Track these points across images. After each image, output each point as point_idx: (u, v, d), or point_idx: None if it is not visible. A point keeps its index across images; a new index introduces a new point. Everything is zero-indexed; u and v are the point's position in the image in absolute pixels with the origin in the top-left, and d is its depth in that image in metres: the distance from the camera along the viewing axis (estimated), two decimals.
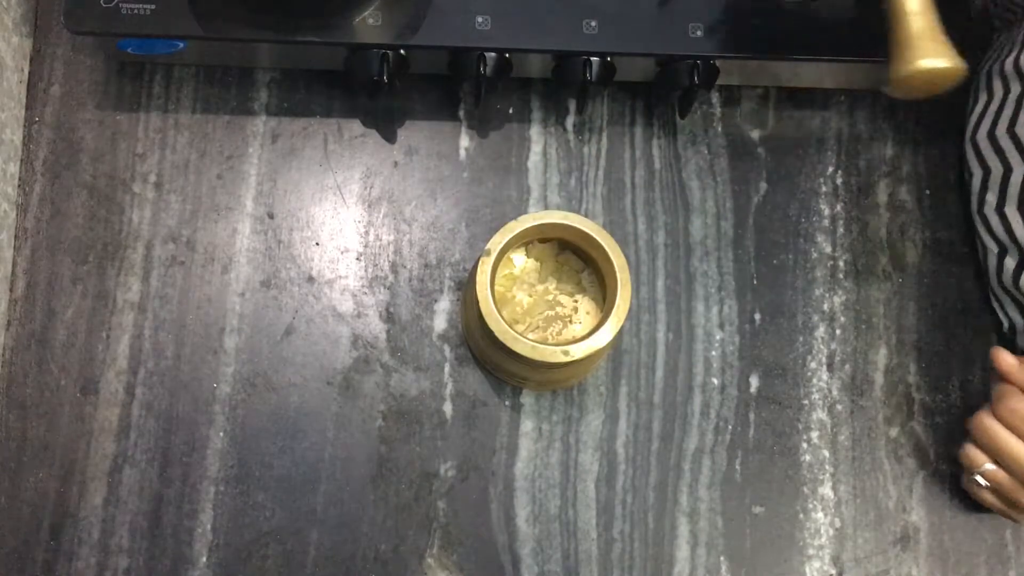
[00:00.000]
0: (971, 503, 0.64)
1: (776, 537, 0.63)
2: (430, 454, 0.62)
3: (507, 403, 0.63)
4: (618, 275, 0.57)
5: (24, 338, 0.63)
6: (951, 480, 0.64)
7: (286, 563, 0.60)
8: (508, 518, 0.62)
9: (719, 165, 0.68)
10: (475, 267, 0.57)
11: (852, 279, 0.67)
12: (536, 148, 0.68)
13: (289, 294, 0.64)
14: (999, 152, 0.62)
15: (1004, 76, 0.62)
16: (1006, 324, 0.65)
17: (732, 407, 0.64)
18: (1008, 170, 0.61)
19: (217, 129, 0.67)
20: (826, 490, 0.64)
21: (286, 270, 0.65)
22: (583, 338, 0.56)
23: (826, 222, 0.68)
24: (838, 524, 0.63)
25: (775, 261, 0.67)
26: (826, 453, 0.64)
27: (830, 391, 0.65)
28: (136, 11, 0.60)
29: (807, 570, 0.63)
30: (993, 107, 0.63)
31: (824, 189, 0.69)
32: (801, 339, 0.66)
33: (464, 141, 0.68)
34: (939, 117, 0.71)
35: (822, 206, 0.68)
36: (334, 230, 0.66)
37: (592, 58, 0.62)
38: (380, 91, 0.64)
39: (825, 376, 0.66)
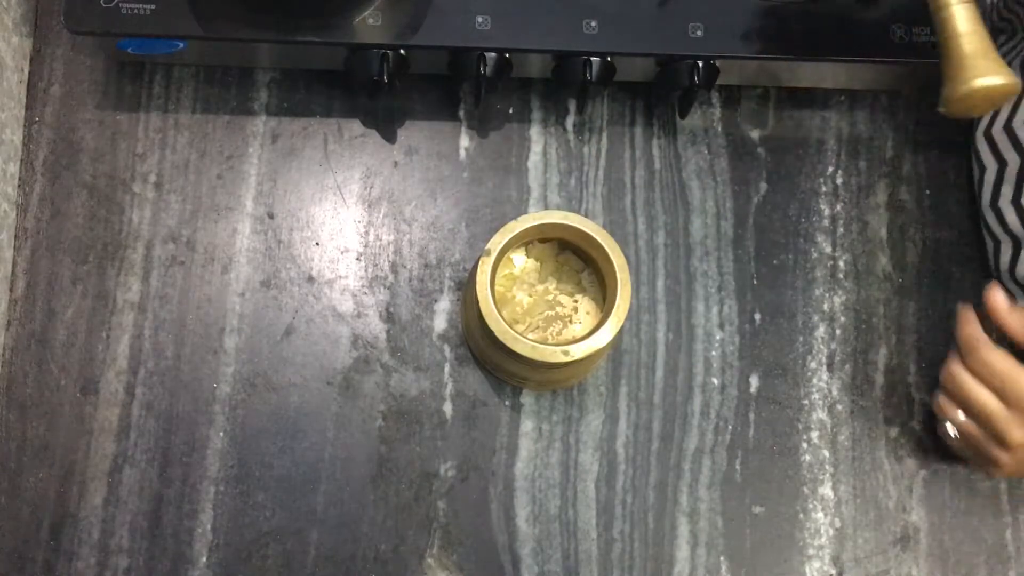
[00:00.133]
0: (971, 503, 0.64)
1: (776, 537, 0.63)
2: (430, 454, 0.62)
3: (507, 403, 0.63)
4: (618, 275, 0.57)
5: (24, 338, 0.63)
6: (951, 480, 0.64)
7: (286, 563, 0.60)
8: (508, 518, 0.62)
9: (719, 165, 0.68)
10: (475, 267, 0.57)
11: (852, 279, 0.67)
12: (536, 148, 0.68)
13: (289, 294, 0.64)
14: (1016, 145, 0.61)
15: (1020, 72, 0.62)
16: None
17: (732, 407, 0.64)
18: None
19: (217, 129, 0.67)
20: (826, 490, 0.64)
21: (286, 270, 0.65)
22: (583, 338, 0.56)
23: (826, 222, 0.68)
24: (838, 524, 0.63)
25: (775, 261, 0.67)
26: (826, 453, 0.64)
27: (830, 391, 0.65)
28: (136, 11, 0.60)
29: (807, 570, 0.63)
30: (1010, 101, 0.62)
31: (824, 189, 0.69)
32: (801, 339, 0.66)
33: (464, 141, 0.68)
34: (939, 117, 0.70)
35: (822, 206, 0.68)
36: (334, 230, 0.66)
37: (592, 58, 0.62)
38: (380, 91, 0.64)
39: (825, 376, 0.66)
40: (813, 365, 0.66)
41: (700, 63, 0.63)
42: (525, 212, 0.66)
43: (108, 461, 0.61)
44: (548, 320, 0.62)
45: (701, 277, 0.66)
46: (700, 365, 0.65)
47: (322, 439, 0.62)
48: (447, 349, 0.64)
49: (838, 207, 0.68)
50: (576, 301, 0.62)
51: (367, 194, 0.66)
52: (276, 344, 0.63)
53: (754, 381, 0.65)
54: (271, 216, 0.65)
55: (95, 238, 0.64)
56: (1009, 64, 0.62)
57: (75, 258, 0.64)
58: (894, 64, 0.64)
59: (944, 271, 0.68)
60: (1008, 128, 0.62)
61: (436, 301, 0.65)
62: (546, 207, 0.67)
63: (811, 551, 0.63)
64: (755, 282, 0.67)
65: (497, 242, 0.57)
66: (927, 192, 0.69)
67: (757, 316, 0.66)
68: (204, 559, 0.60)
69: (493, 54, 0.62)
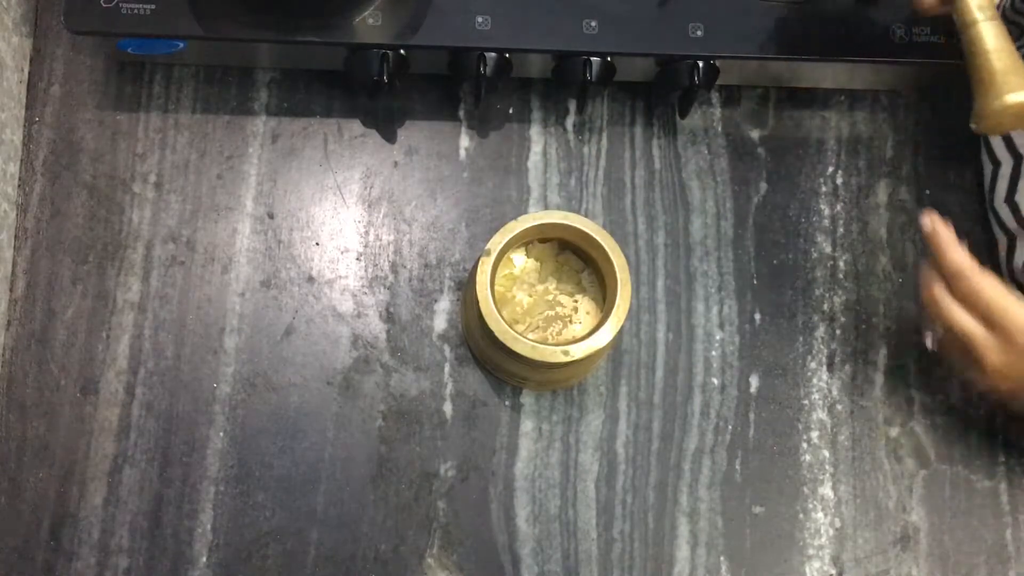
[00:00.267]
0: (971, 503, 0.64)
1: (776, 537, 0.63)
2: (430, 454, 0.62)
3: (507, 403, 0.63)
4: (618, 275, 0.57)
5: (24, 338, 0.63)
6: (951, 480, 0.64)
7: (286, 563, 0.60)
8: (508, 518, 0.62)
9: (719, 165, 0.68)
10: (475, 267, 0.57)
11: (852, 279, 0.67)
12: (536, 148, 0.68)
13: (289, 294, 0.64)
14: None
15: None
16: None
17: (732, 407, 0.64)
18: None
19: (217, 129, 0.67)
20: (826, 490, 0.64)
21: (286, 270, 0.65)
22: (583, 338, 0.56)
23: (826, 222, 0.68)
24: (838, 524, 0.63)
25: (775, 261, 0.67)
26: (826, 453, 0.64)
27: (830, 391, 0.65)
28: (136, 11, 0.60)
29: (807, 570, 0.63)
30: None
31: (824, 189, 0.69)
32: (801, 339, 0.66)
33: (464, 141, 0.68)
34: (939, 117, 0.71)
35: (822, 206, 0.68)
36: (334, 230, 0.66)
37: (592, 58, 0.62)
38: (380, 91, 0.64)
39: (825, 376, 0.66)
40: (813, 365, 0.66)
41: (700, 63, 0.63)
42: (525, 212, 0.66)
43: (108, 461, 0.61)
44: (548, 320, 0.62)
45: (701, 277, 0.66)
46: (700, 365, 0.65)
47: (322, 439, 0.62)
48: (447, 349, 0.64)
49: (838, 207, 0.68)
50: (576, 301, 0.62)
51: (367, 194, 0.66)
52: (276, 344, 0.63)
53: (754, 381, 0.65)
54: (271, 216, 0.65)
55: (95, 238, 0.64)
56: None
57: (75, 258, 0.64)
58: (894, 64, 0.64)
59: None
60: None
61: (436, 301, 0.65)
62: (546, 207, 0.67)
63: (811, 551, 0.63)
64: (755, 282, 0.67)
65: (497, 242, 0.57)
66: (927, 192, 0.69)
67: (757, 316, 0.66)
68: (204, 559, 0.60)
69: (493, 54, 0.62)
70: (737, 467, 0.64)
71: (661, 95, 0.69)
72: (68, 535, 0.60)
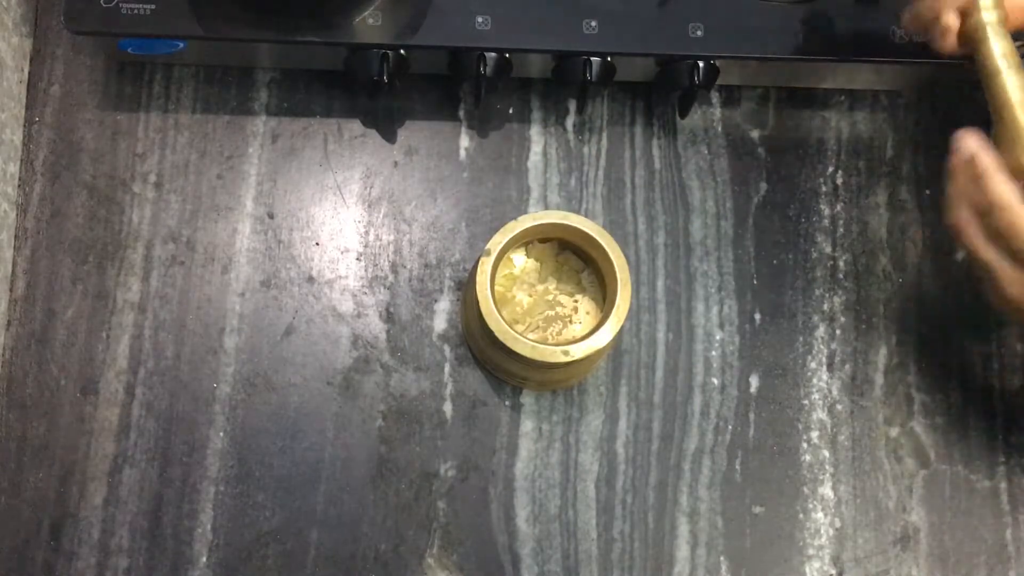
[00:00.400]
0: (971, 503, 0.64)
1: (776, 537, 0.63)
2: (430, 454, 0.62)
3: (507, 403, 0.63)
4: (618, 275, 0.57)
5: (24, 338, 0.63)
6: (951, 480, 0.64)
7: (286, 563, 0.60)
8: (508, 518, 0.62)
9: (719, 165, 0.68)
10: (475, 267, 0.57)
11: (852, 279, 0.67)
12: (536, 148, 0.68)
13: (289, 294, 0.64)
14: None
15: None
16: None
17: (732, 407, 0.64)
18: None
19: (217, 129, 0.67)
20: (826, 490, 0.64)
21: (286, 270, 0.65)
22: (583, 338, 0.56)
23: (826, 222, 0.68)
24: (838, 524, 0.63)
25: (775, 261, 0.67)
26: (826, 453, 0.64)
27: (830, 391, 0.65)
28: (136, 11, 0.60)
29: (807, 570, 0.63)
30: None
31: (824, 189, 0.69)
32: (801, 339, 0.66)
33: (464, 141, 0.68)
34: (939, 117, 0.71)
35: (822, 206, 0.68)
36: (334, 230, 0.66)
37: (592, 58, 0.62)
38: (380, 91, 0.64)
39: (825, 376, 0.66)
40: (813, 365, 0.66)
41: (700, 63, 0.63)
42: (525, 212, 0.66)
43: (108, 461, 0.61)
44: (548, 320, 0.62)
45: (701, 277, 0.66)
46: (700, 365, 0.65)
47: (322, 439, 0.62)
48: (447, 349, 0.64)
49: (838, 207, 0.68)
50: (576, 301, 0.62)
51: (367, 194, 0.66)
52: (276, 344, 0.63)
53: (754, 381, 0.65)
54: (271, 216, 0.65)
55: (95, 238, 0.64)
56: None
57: (75, 258, 0.64)
58: (894, 64, 0.64)
59: (944, 271, 0.68)
60: None
61: (436, 301, 0.65)
62: (546, 207, 0.67)
63: (811, 551, 0.63)
64: (755, 282, 0.67)
65: (497, 242, 0.57)
66: (927, 192, 0.69)
67: (757, 316, 0.66)
68: (204, 559, 0.60)
69: (493, 54, 0.62)
70: (737, 467, 0.64)
71: (661, 95, 0.69)
72: (68, 535, 0.60)
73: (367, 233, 0.66)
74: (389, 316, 0.64)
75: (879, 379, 0.66)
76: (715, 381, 0.65)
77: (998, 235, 0.51)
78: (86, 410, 0.62)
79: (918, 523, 0.64)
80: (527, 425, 0.63)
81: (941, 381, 0.66)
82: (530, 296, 0.62)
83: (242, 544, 0.60)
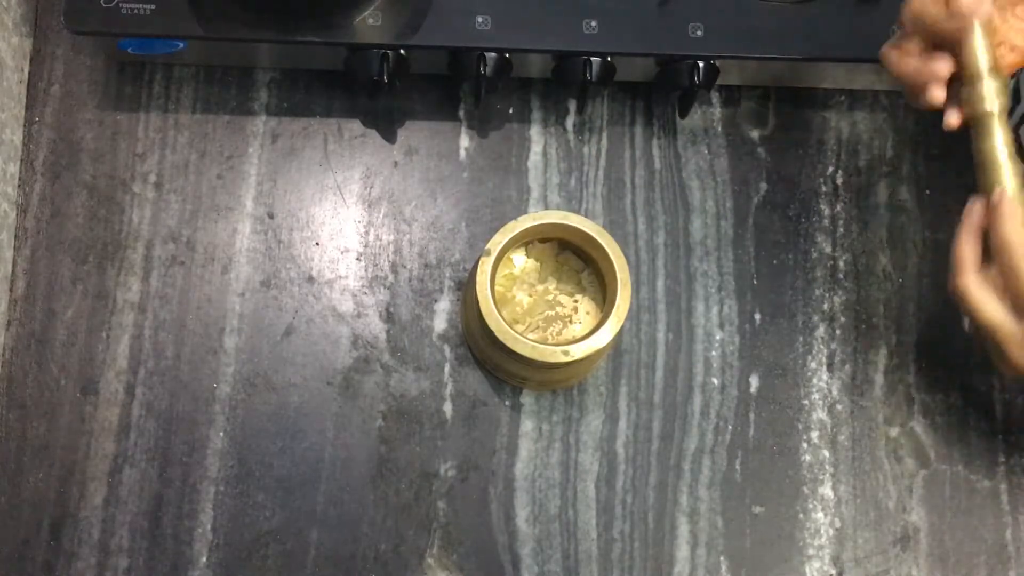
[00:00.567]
0: (971, 503, 0.64)
1: (776, 537, 0.63)
2: (430, 454, 0.62)
3: (507, 403, 0.63)
4: (618, 275, 0.57)
5: (24, 338, 0.63)
6: (951, 480, 0.64)
7: (286, 563, 0.60)
8: (508, 518, 0.62)
9: (719, 165, 0.68)
10: (475, 267, 0.57)
11: (852, 279, 0.67)
12: (536, 148, 0.68)
13: (289, 294, 0.64)
14: None
15: None
16: None
17: (732, 407, 0.64)
18: None
19: (217, 129, 0.67)
20: (826, 490, 0.64)
21: (286, 270, 0.65)
22: (583, 338, 0.56)
23: (826, 222, 0.68)
24: (838, 524, 0.63)
25: (775, 261, 0.67)
26: (826, 453, 0.64)
27: (830, 391, 0.65)
28: (136, 11, 0.60)
29: (807, 570, 0.63)
30: None
31: (824, 189, 0.69)
32: (801, 339, 0.66)
33: (464, 141, 0.68)
34: (939, 117, 0.70)
35: (822, 206, 0.68)
36: (334, 230, 0.66)
37: (592, 58, 0.62)
38: (380, 91, 0.64)
39: (825, 376, 0.66)
40: (813, 365, 0.66)
41: (700, 63, 0.63)
42: (525, 212, 0.66)
43: (108, 461, 0.61)
44: (548, 320, 0.62)
45: (701, 277, 0.66)
46: (700, 365, 0.65)
47: (322, 439, 0.62)
48: (447, 349, 0.64)
49: (838, 207, 0.68)
50: (576, 301, 0.62)
51: (367, 194, 0.66)
52: (276, 344, 0.63)
53: (754, 381, 0.65)
54: (271, 216, 0.65)
55: (95, 238, 0.64)
56: None
57: (75, 258, 0.64)
58: None
59: (944, 271, 0.68)
60: None
61: (436, 301, 0.65)
62: (546, 207, 0.67)
63: (811, 551, 0.63)
64: (755, 282, 0.67)
65: (497, 242, 0.57)
66: (927, 192, 0.69)
67: (757, 316, 0.66)
68: (204, 559, 0.60)
69: (493, 54, 0.62)
70: (737, 467, 0.64)
71: (661, 95, 0.69)
72: (68, 535, 0.60)
73: (367, 233, 0.66)
74: (389, 316, 0.64)
75: (879, 379, 0.66)
76: (715, 381, 0.65)
77: (1004, 291, 0.52)
78: (86, 410, 0.62)
79: (918, 523, 0.64)
80: (527, 425, 0.63)
81: (941, 381, 0.66)
82: (530, 296, 0.62)
83: (242, 544, 0.60)
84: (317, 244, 0.65)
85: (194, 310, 0.64)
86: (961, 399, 0.66)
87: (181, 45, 0.62)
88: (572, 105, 0.69)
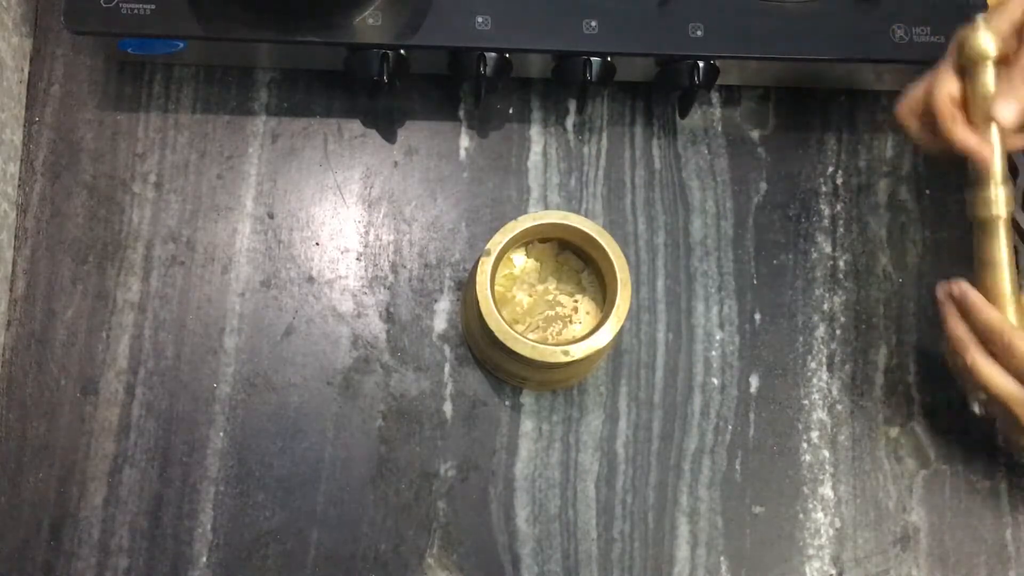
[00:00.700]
0: (971, 503, 0.64)
1: (776, 537, 0.63)
2: (430, 454, 0.62)
3: (507, 403, 0.63)
4: (618, 275, 0.57)
5: (24, 338, 0.63)
6: (951, 480, 0.64)
7: (286, 563, 0.60)
8: (508, 518, 0.62)
9: (719, 165, 0.68)
10: (475, 267, 0.57)
11: (852, 279, 0.67)
12: (536, 148, 0.68)
13: (289, 294, 0.64)
14: None
15: None
16: None
17: (732, 407, 0.64)
18: None
19: (217, 129, 0.67)
20: (826, 490, 0.64)
21: (286, 270, 0.65)
22: (583, 338, 0.56)
23: (826, 222, 0.68)
24: (838, 524, 0.63)
25: (775, 261, 0.67)
26: (826, 453, 0.64)
27: (830, 391, 0.65)
28: (136, 11, 0.60)
29: (807, 570, 0.63)
30: None
31: (824, 189, 0.69)
32: (801, 339, 0.66)
33: (464, 141, 0.68)
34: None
35: (822, 206, 0.68)
36: (334, 230, 0.66)
37: (592, 58, 0.62)
38: (380, 91, 0.64)
39: (825, 376, 0.66)
40: (813, 365, 0.66)
41: (700, 63, 0.63)
42: (525, 212, 0.66)
43: (108, 461, 0.61)
44: (548, 320, 0.62)
45: (701, 277, 0.66)
46: (700, 365, 0.65)
47: (322, 439, 0.62)
48: (447, 349, 0.64)
49: (838, 207, 0.68)
50: (576, 301, 0.62)
51: (367, 194, 0.66)
52: (276, 344, 0.63)
53: (754, 381, 0.65)
54: (271, 216, 0.66)
55: (95, 238, 0.64)
56: None
57: (75, 258, 0.64)
58: (894, 64, 0.64)
59: (944, 271, 0.68)
60: None
61: (436, 301, 0.65)
62: (546, 207, 0.67)
63: (811, 551, 0.63)
64: (755, 282, 0.67)
65: (497, 242, 0.57)
66: (927, 192, 0.69)
67: (757, 316, 0.66)
68: (204, 559, 0.60)
69: (493, 54, 0.62)
70: (737, 467, 0.64)
71: (661, 95, 0.69)
72: (68, 535, 0.60)
73: (367, 233, 0.66)
74: (389, 316, 0.64)
75: (879, 379, 0.66)
76: (715, 381, 0.65)
77: (1001, 361, 0.54)
78: (86, 410, 0.62)
79: (918, 523, 0.64)
80: (527, 425, 0.63)
81: (941, 381, 0.66)
82: (530, 296, 0.62)
83: (242, 544, 0.60)
84: (317, 244, 0.65)
85: (194, 310, 0.64)
86: (961, 399, 0.66)
87: (181, 45, 0.62)
88: (572, 105, 0.69)
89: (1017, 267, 0.56)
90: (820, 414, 0.65)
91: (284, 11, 0.61)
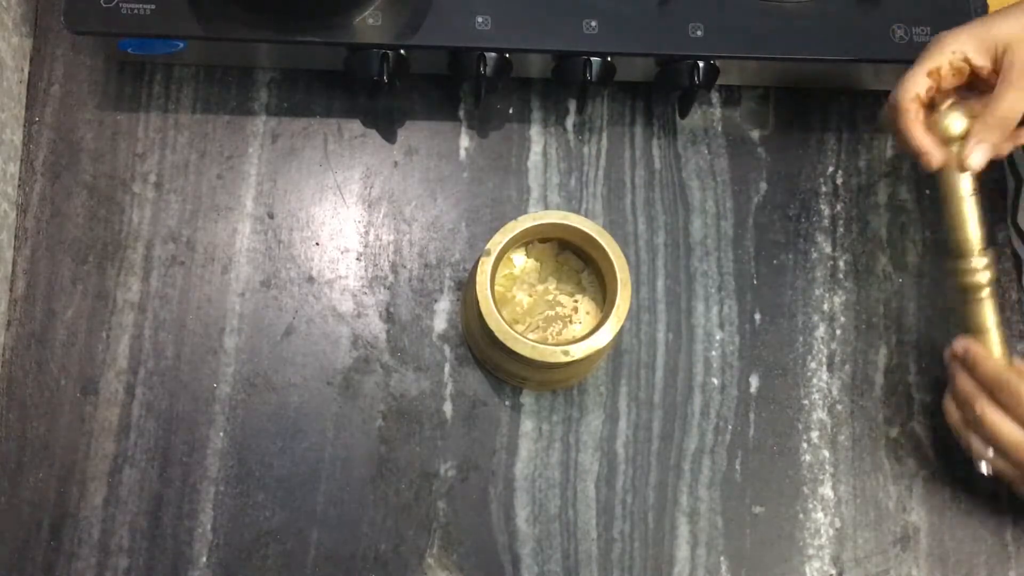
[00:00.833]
0: (971, 503, 0.64)
1: (776, 537, 0.63)
2: (430, 454, 0.62)
3: (507, 403, 0.63)
4: (618, 275, 0.57)
5: (24, 338, 0.63)
6: (951, 480, 0.64)
7: (286, 563, 0.60)
8: (508, 518, 0.62)
9: (719, 165, 0.68)
10: (475, 267, 0.57)
11: (852, 279, 0.67)
12: (536, 148, 0.68)
13: (289, 294, 0.64)
14: None
15: None
16: None
17: (732, 407, 0.64)
18: None
19: (217, 129, 0.67)
20: (826, 490, 0.64)
21: (286, 270, 0.65)
22: (583, 338, 0.56)
23: (826, 222, 0.68)
24: (838, 524, 0.63)
25: (775, 261, 0.67)
26: (826, 453, 0.64)
27: (830, 391, 0.65)
28: (136, 11, 0.60)
29: (807, 570, 0.63)
30: None
31: (824, 189, 0.69)
32: (801, 339, 0.66)
33: (464, 141, 0.68)
34: None
35: (822, 206, 0.68)
36: (334, 230, 0.66)
37: (592, 58, 0.62)
38: (380, 91, 0.64)
39: (825, 376, 0.66)
40: (813, 365, 0.66)
41: (700, 63, 0.63)
42: (525, 212, 0.66)
43: (108, 461, 0.61)
44: (548, 320, 0.62)
45: (701, 277, 0.66)
46: (700, 365, 0.65)
47: (322, 439, 0.62)
48: (447, 349, 0.64)
49: (838, 207, 0.68)
50: (576, 301, 0.62)
51: (367, 194, 0.66)
52: (276, 344, 0.63)
53: (754, 381, 0.65)
54: (271, 216, 0.66)
55: (95, 238, 0.64)
56: None
57: (75, 258, 0.64)
58: (894, 64, 0.64)
59: (944, 271, 0.68)
60: None
61: (436, 301, 0.65)
62: (546, 207, 0.67)
63: (811, 551, 0.63)
64: (755, 282, 0.67)
65: (497, 242, 0.57)
66: (927, 192, 0.69)
67: (757, 316, 0.66)
68: (204, 559, 0.60)
69: (493, 54, 0.62)
70: (737, 467, 0.64)
71: (661, 95, 0.69)
72: (68, 535, 0.60)
73: (367, 233, 0.66)
74: (389, 316, 0.64)
75: (879, 379, 0.66)
76: (715, 381, 0.65)
77: (1009, 411, 0.55)
78: (86, 410, 0.62)
79: (918, 523, 0.64)
80: (527, 425, 0.63)
81: (941, 381, 0.66)
82: (530, 296, 0.62)
83: (242, 544, 0.60)
84: (317, 244, 0.65)
85: (194, 310, 0.64)
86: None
87: (181, 45, 0.62)
88: (572, 105, 0.69)
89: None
90: (820, 414, 0.65)
91: (284, 11, 0.61)
